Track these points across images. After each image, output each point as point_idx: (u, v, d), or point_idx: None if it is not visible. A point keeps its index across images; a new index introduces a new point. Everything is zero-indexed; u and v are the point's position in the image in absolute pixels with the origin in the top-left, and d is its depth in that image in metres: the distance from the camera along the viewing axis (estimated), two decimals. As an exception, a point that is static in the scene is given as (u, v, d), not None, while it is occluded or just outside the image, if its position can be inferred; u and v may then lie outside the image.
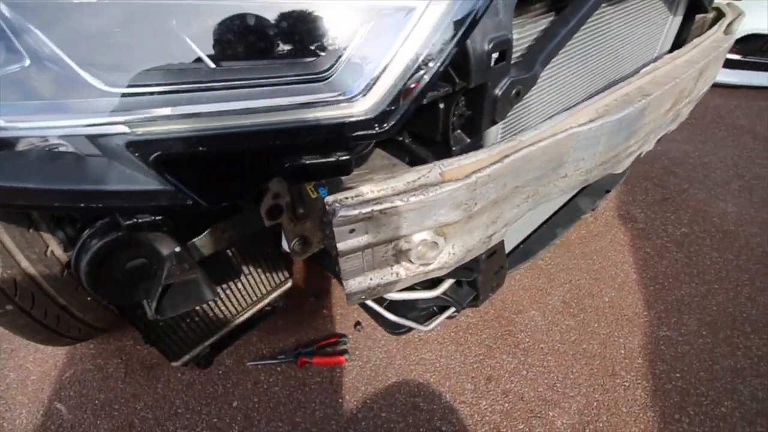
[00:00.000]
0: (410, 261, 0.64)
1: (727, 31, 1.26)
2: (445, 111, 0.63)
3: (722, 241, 1.73)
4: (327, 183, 0.63)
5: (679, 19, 1.31)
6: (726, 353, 1.33)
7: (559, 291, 1.54)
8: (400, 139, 0.74)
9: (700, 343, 1.35)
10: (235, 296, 0.96)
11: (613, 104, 0.78)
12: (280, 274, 1.04)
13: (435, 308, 1.04)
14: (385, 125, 0.44)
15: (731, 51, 2.93)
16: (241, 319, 1.00)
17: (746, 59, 2.95)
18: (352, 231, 0.57)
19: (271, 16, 0.41)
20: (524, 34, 0.73)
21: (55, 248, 0.95)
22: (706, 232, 1.79)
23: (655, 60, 1.29)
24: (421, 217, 0.59)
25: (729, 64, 2.96)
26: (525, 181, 0.70)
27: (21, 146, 0.47)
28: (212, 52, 0.42)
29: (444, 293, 0.94)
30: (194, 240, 0.63)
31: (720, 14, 1.39)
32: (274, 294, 1.05)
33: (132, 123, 0.40)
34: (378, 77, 0.42)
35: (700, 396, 1.22)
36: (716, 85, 3.00)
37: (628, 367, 1.29)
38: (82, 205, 0.43)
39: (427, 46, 0.42)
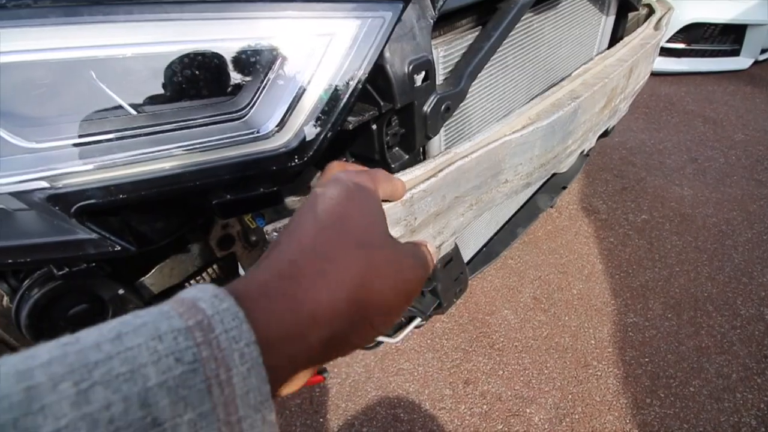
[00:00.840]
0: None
1: (657, 26, 1.33)
2: (378, 131, 0.65)
3: (681, 225, 1.81)
4: (265, 211, 0.64)
5: (612, 18, 1.38)
6: (690, 333, 1.38)
7: (529, 288, 1.58)
8: (344, 159, 0.76)
9: (665, 326, 1.40)
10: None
11: (544, 109, 0.82)
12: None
13: (403, 319, 1.05)
14: (303, 157, 0.46)
15: (677, 41, 3.08)
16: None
17: (691, 47, 3.11)
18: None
19: (185, 60, 0.42)
20: (452, 50, 0.76)
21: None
22: (665, 217, 1.86)
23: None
24: (360, 237, 0.60)
25: (676, 53, 3.11)
26: (465, 190, 0.72)
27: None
28: (130, 99, 0.43)
29: (407, 304, 0.95)
30: (142, 279, 0.63)
31: (651, 11, 1.48)
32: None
33: (51, 178, 0.41)
34: (290, 112, 0.44)
35: (669, 378, 1.26)
36: (666, 74, 3.15)
37: (599, 357, 1.33)
38: (10, 261, 0.43)
39: (335, 79, 0.44)
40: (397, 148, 0.72)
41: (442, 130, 0.84)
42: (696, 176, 2.09)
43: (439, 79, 0.74)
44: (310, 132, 0.45)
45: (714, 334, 1.37)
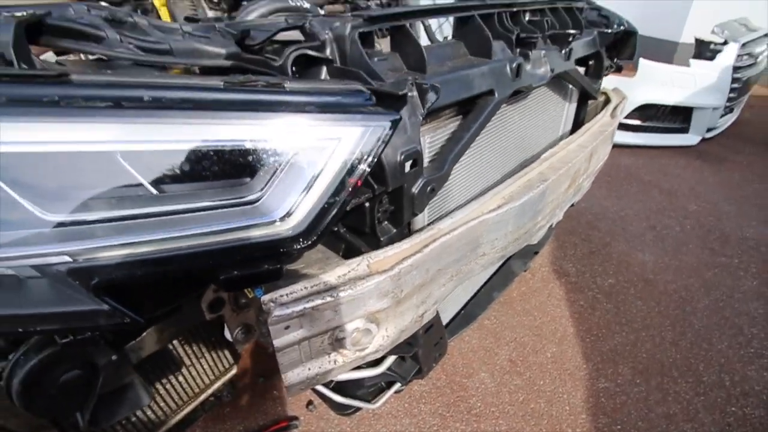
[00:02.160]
0: (346, 348, 0.68)
1: (613, 114, 1.51)
2: (371, 209, 0.72)
3: (644, 290, 1.92)
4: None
5: (574, 105, 1.56)
6: (659, 400, 1.43)
7: (505, 350, 1.61)
8: (336, 229, 0.81)
9: (635, 392, 1.45)
10: (176, 390, 0.93)
11: (517, 190, 0.92)
12: (224, 361, 1.03)
13: (383, 383, 1.06)
14: (308, 240, 0.51)
15: (633, 117, 3.42)
16: (183, 413, 0.96)
17: (645, 124, 3.46)
18: (287, 327, 0.61)
19: (209, 153, 0.48)
20: (436, 137, 0.86)
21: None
22: (629, 281, 1.97)
23: (560, 140, 1.51)
24: (352, 309, 0.64)
25: (633, 129, 3.45)
26: (446, 263, 0.79)
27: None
28: (156, 184, 0.48)
29: (389, 369, 0.97)
30: (132, 343, 0.64)
31: (608, 99, 1.68)
32: (219, 383, 1.03)
33: (73, 253, 0.44)
34: (300, 201, 0.50)
35: (640, 445, 1.29)
36: (625, 146, 3.46)
37: (573, 424, 1.35)
38: (21, 329, 0.45)
39: (341, 174, 0.51)
40: (386, 223, 0.78)
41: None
42: (655, 243, 2.25)
43: (425, 162, 0.83)
44: (317, 218, 0.50)
45: (680, 400, 1.43)
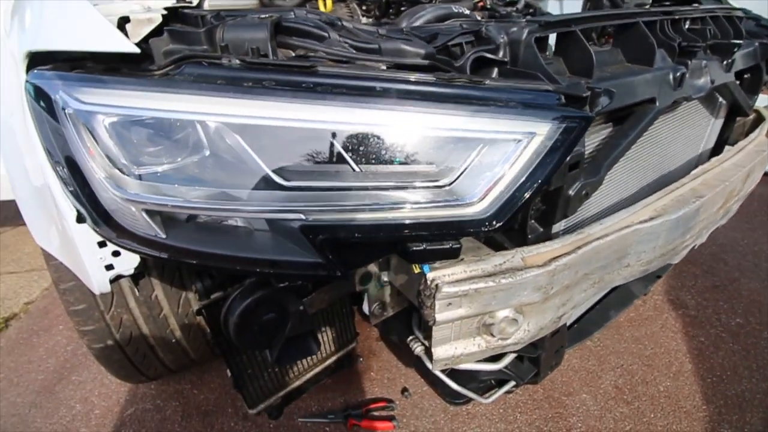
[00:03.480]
0: (491, 335, 0.72)
1: (769, 135, 1.36)
2: (526, 206, 0.75)
3: (781, 336, 1.68)
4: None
5: (720, 121, 1.43)
6: (797, 459, 1.25)
7: (610, 375, 1.52)
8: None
9: (767, 446, 1.29)
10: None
11: (670, 204, 0.88)
12: (348, 334, 1.12)
13: (493, 381, 1.08)
14: (494, 224, 0.56)
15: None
16: (312, 373, 1.07)
17: (789, 151, 3.00)
18: (449, 304, 0.66)
19: (415, 139, 0.55)
20: (589, 142, 0.85)
21: (161, 297, 1.09)
22: (762, 324, 1.74)
23: (699, 157, 1.39)
24: (507, 297, 0.68)
25: (772, 155, 3.02)
26: (593, 269, 0.78)
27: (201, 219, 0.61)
28: (358, 160, 0.56)
29: (506, 367, 0.99)
30: (308, 298, 0.74)
31: (760, 117, 1.51)
32: (341, 353, 1.13)
33: (307, 212, 0.54)
34: (491, 188, 0.55)
35: (774, 506, 1.14)
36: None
37: (690, 465, 1.23)
38: (258, 270, 0.56)
39: (531, 166, 0.55)
40: (533, 221, 0.80)
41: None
42: (798, 286, 1.95)
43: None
44: (505, 205, 0.55)
45: (827, 467, 1.23)
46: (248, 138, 0.56)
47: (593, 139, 0.87)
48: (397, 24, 1.00)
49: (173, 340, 1.21)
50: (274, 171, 0.56)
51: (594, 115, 0.57)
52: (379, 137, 0.54)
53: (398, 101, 0.53)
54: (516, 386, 1.05)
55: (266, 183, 0.56)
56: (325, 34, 0.65)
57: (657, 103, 0.86)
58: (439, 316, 0.66)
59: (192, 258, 0.57)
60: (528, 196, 0.55)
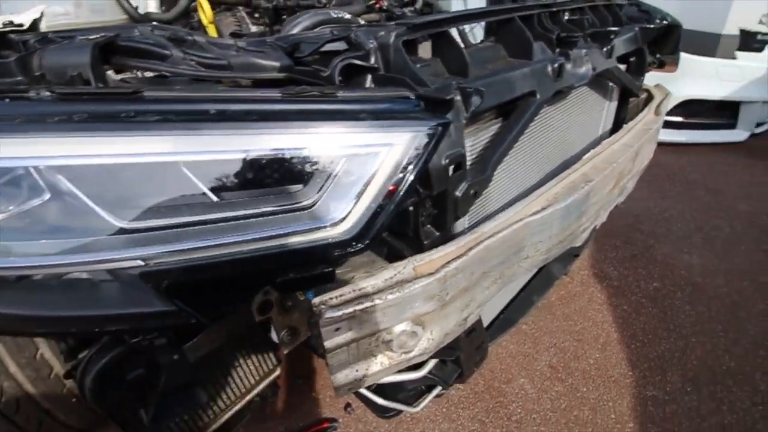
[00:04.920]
0: (392, 350, 0.69)
1: (657, 112, 1.46)
2: (414, 212, 0.73)
3: (692, 294, 1.82)
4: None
5: (614, 103, 1.52)
6: (712, 409, 1.35)
7: (545, 355, 1.57)
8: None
9: (686, 401, 1.38)
10: (224, 391, 0.97)
11: (561, 192, 0.90)
12: (268, 363, 1.05)
13: (423, 387, 1.06)
14: (361, 243, 0.52)
15: (676, 114, 3.27)
16: (231, 413, 0.99)
17: (689, 120, 3.29)
18: (337, 329, 0.62)
19: (263, 162, 0.50)
20: (477, 140, 0.85)
21: (48, 356, 0.96)
22: (676, 285, 1.88)
23: (600, 139, 1.46)
24: (399, 311, 0.65)
25: (676, 125, 3.30)
26: (490, 266, 0.78)
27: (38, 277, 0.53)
28: (217, 192, 0.51)
29: (430, 372, 0.97)
30: (189, 343, 0.67)
31: (650, 96, 1.62)
32: (264, 383, 1.06)
33: (146, 257, 0.48)
34: (353, 206, 0.51)
35: (694, 458, 1.22)
36: (667, 144, 3.30)
37: (620, 433, 1.30)
38: (97, 329, 0.49)
39: (392, 179, 0.52)
40: (429, 226, 0.79)
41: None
42: (703, 245, 2.14)
43: (468, 165, 0.83)
44: (369, 222, 0.52)
45: (736, 410, 1.34)
46: (74, 179, 0.48)
47: (482, 137, 0.87)
48: (281, 32, 0.95)
49: (73, 399, 1.08)
50: (108, 212, 0.49)
51: (450, 120, 0.56)
52: (219, 164, 0.49)
53: (235, 123, 0.48)
54: (444, 389, 1.04)
55: (101, 227, 0.49)
56: (168, 53, 0.59)
57: (538, 96, 0.87)
58: (328, 343, 0.62)
59: (19, 326, 0.49)
60: (393, 209, 0.52)
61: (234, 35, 0.99)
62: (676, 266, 2.00)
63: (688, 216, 2.39)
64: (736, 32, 3.56)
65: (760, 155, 3.12)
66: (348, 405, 1.43)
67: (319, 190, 0.52)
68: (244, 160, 0.49)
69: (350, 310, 0.61)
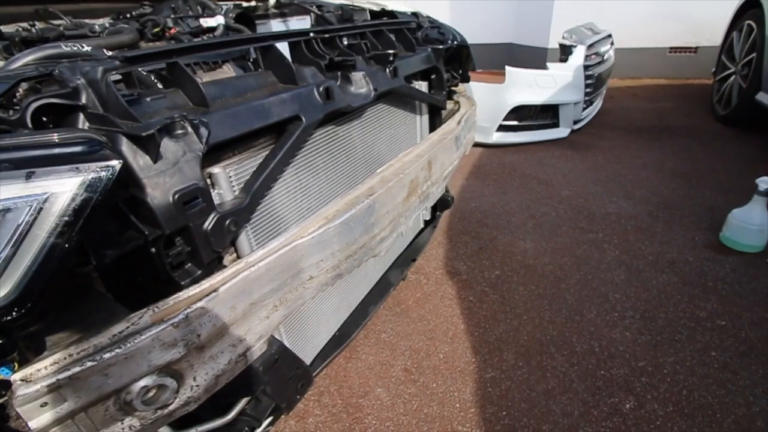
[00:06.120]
0: (139, 410, 0.63)
1: (461, 121, 1.63)
2: (157, 254, 0.68)
3: (525, 275, 2.07)
4: (12, 358, 0.60)
5: (426, 116, 1.66)
6: (539, 378, 1.53)
7: (400, 360, 1.63)
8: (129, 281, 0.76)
9: (518, 375, 1.54)
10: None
11: (341, 208, 0.93)
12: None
13: (246, 429, 1.00)
14: (22, 309, 0.46)
15: (511, 119, 3.74)
16: None
17: (522, 123, 3.80)
18: (44, 405, 0.54)
19: None
20: (242, 168, 0.84)
21: None
22: (513, 270, 2.12)
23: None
24: (129, 368, 0.59)
25: (512, 129, 3.78)
26: (261, 295, 0.77)
27: None
28: None
29: (242, 413, 0.92)
30: None
31: (458, 107, 1.80)
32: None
33: None
34: (4, 269, 0.45)
35: (524, 428, 1.35)
36: (508, 146, 3.76)
37: (464, 420, 1.39)
38: None
39: (54, 231, 0.47)
40: (190, 264, 0.75)
41: (251, 230, 0.89)
42: (535, 230, 2.45)
43: (230, 196, 0.81)
44: (30, 284, 0.46)
45: (557, 374, 1.54)
46: None
47: (250, 164, 0.86)
48: None
49: None
50: None
51: (118, 162, 0.53)
52: None
53: None
54: (269, 426, 0.99)
55: None
56: None
57: (303, 120, 0.90)
58: (34, 423, 0.54)
59: None
60: (57, 267, 0.47)
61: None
62: (514, 253, 2.25)
63: (524, 206, 2.73)
64: (557, 46, 4.25)
65: (578, 148, 3.72)
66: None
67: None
68: None
69: (52, 381, 0.53)
